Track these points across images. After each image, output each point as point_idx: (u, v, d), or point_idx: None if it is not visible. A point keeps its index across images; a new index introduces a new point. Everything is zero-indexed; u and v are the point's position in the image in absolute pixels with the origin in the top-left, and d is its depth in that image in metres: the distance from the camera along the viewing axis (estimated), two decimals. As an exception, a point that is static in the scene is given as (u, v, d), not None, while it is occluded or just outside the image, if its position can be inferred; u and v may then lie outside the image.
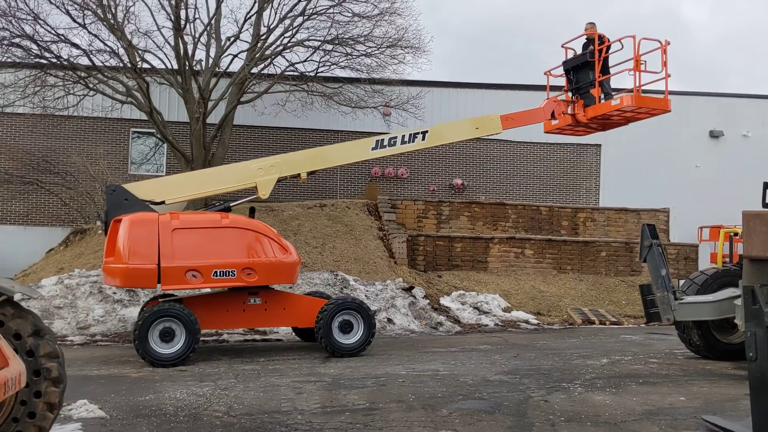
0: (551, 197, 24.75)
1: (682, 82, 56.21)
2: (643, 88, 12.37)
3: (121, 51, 17.95)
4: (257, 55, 19.06)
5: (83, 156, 20.49)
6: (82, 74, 18.42)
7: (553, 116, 12.99)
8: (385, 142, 11.89)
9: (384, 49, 19.67)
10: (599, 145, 25.59)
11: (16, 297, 4.92)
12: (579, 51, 13.08)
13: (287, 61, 19.91)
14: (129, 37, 17.87)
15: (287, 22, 19.17)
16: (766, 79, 58.02)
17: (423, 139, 12.04)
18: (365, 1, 19.25)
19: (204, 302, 10.62)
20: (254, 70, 19.21)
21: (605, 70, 12.69)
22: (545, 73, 13.71)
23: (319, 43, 19.60)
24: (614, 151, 25.53)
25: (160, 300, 10.89)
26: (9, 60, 17.94)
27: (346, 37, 19.46)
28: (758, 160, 24.66)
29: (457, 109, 24.60)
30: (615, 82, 12.81)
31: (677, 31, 51.53)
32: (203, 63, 19.65)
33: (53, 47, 17.80)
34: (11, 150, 21.16)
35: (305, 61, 19.86)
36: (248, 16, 19.22)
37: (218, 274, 10.00)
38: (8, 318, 4.89)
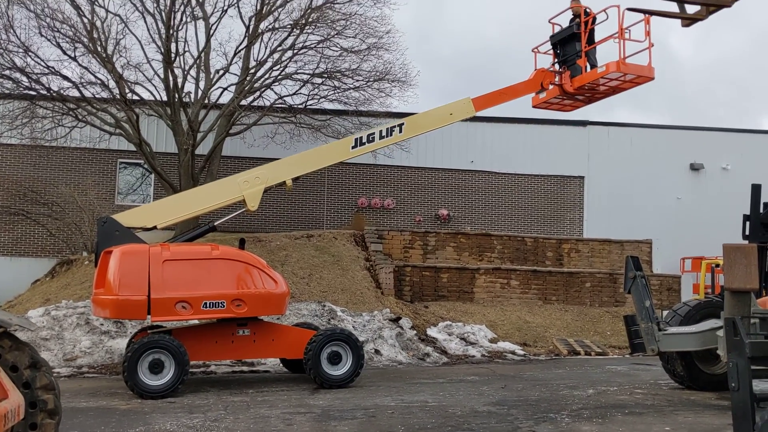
0: (536, 228, 25.02)
1: (669, 115, 57.35)
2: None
3: (111, 83, 18.11)
4: (246, 88, 19.29)
5: (71, 186, 20.51)
6: (72, 106, 18.54)
7: (542, 88, 13.23)
8: (364, 139, 12.00)
9: (372, 83, 19.99)
10: (582, 177, 25.99)
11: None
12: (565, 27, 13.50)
13: (276, 93, 20.18)
14: (119, 69, 18.05)
15: (276, 55, 19.46)
16: (754, 111, 59.31)
17: (400, 131, 12.17)
18: (353, 37, 19.62)
19: (193, 333, 10.63)
20: (243, 103, 19.42)
21: (591, 41, 13.10)
22: (533, 50, 13.99)
23: (308, 76, 19.89)
24: (597, 182, 25.93)
25: (148, 331, 10.90)
26: (-1, 92, 18.06)
27: (334, 70, 19.77)
28: (738, 192, 25.06)
29: (443, 140, 24.93)
30: (601, 60, 13.17)
31: (666, 64, 52.65)
32: (192, 95, 19.85)
33: (43, 79, 17.94)
34: (-1, 181, 21.16)
35: (294, 94, 20.14)
36: (238, 49, 19.50)
37: (208, 305, 10.05)
38: (6, 350, 4.94)
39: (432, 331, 15.91)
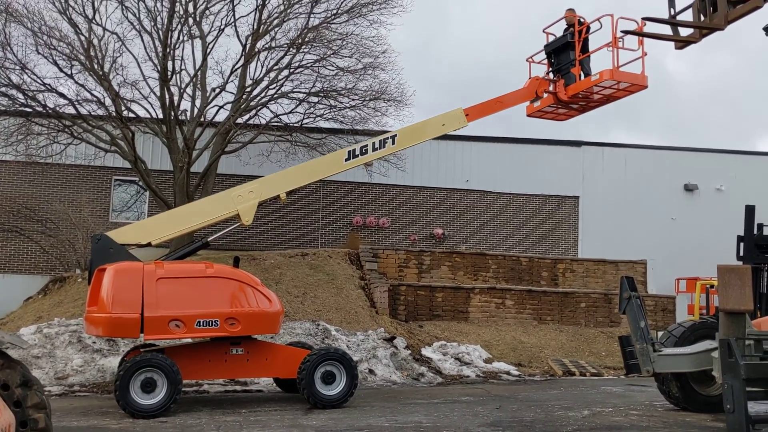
0: (531, 248, 25.03)
1: (664, 136, 57.68)
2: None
3: (108, 101, 18.15)
4: (242, 106, 19.35)
5: (65, 203, 20.46)
6: (67, 123, 18.55)
7: (536, 96, 13.28)
8: (357, 152, 11.97)
9: (367, 102, 20.09)
10: (577, 197, 26.08)
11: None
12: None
13: (272, 112, 20.25)
14: (116, 87, 18.10)
15: (273, 74, 19.55)
16: (748, 132, 59.73)
17: (393, 143, 12.17)
18: (350, 56, 19.74)
19: (186, 352, 10.56)
20: (239, 121, 19.47)
21: (585, 50, 13.20)
22: (527, 60, 14.06)
23: (304, 95, 19.98)
24: (592, 202, 26.02)
25: (141, 350, 10.82)
26: (-6, 109, 18.08)
27: (330, 90, 19.87)
28: (731, 213, 25.18)
29: (438, 159, 25.03)
30: (595, 70, 13.24)
31: (661, 85, 53.19)
32: (188, 113, 19.89)
33: (39, 96, 17.97)
34: (-7, 197, 21.10)
35: (290, 112, 20.21)
36: (234, 68, 19.57)
37: (201, 323, 9.99)
38: (-3, 368, 4.90)
39: (426, 351, 15.85)
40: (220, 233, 12.01)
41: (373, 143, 12.08)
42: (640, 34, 11.91)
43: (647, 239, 25.19)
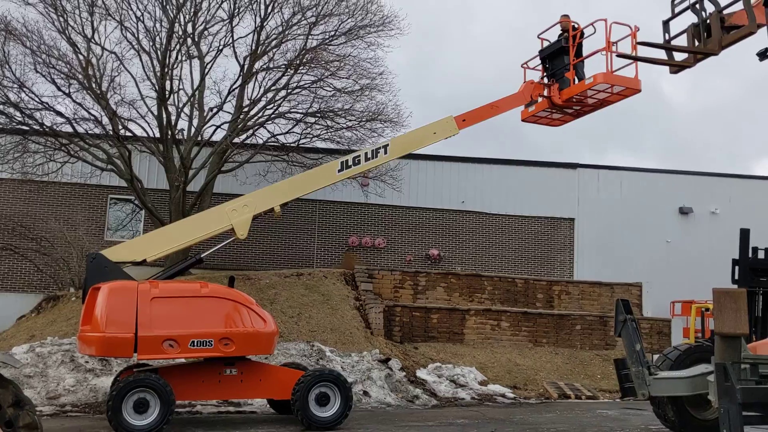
0: (526, 270, 25.02)
1: (661, 158, 57.96)
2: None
3: (105, 119, 18.19)
4: (239, 126, 19.40)
5: (61, 222, 20.42)
6: (64, 141, 18.57)
7: (531, 100, 13.31)
8: (350, 162, 11.94)
9: (364, 123, 20.18)
10: (573, 219, 26.12)
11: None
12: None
13: (269, 132, 20.31)
14: (113, 106, 18.15)
15: (270, 95, 19.64)
16: (743, 156, 60.11)
17: (385, 152, 12.16)
18: (347, 78, 19.88)
19: (179, 372, 10.48)
20: (236, 140, 19.51)
21: (579, 55, 13.25)
22: (522, 66, 14.08)
23: (301, 115, 20.06)
24: (588, 224, 26.05)
25: (134, 370, 10.74)
26: (-8, 126, 18.10)
27: (327, 110, 19.96)
28: (726, 236, 25.27)
29: (434, 180, 25.09)
30: (589, 75, 13.27)
31: (658, 108, 53.54)
32: (185, 132, 19.93)
33: (37, 115, 18.00)
34: (-13, 215, 21.05)
35: (287, 132, 20.28)
36: (232, 88, 19.67)
37: (195, 343, 9.91)
38: (-11, 388, 4.86)
39: (421, 373, 15.76)
40: (214, 249, 11.96)
41: (366, 153, 12.08)
42: (635, 58, 12.01)
43: (642, 262, 25.21)
